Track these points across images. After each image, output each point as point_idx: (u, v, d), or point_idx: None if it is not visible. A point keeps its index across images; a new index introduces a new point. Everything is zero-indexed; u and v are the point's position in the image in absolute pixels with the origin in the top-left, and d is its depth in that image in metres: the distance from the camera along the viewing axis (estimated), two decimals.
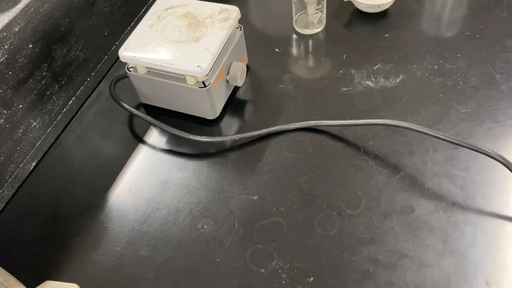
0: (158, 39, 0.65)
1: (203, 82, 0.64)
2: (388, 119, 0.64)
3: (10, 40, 0.59)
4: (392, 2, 0.80)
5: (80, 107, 0.75)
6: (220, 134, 0.69)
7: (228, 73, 0.69)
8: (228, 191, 0.63)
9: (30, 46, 0.62)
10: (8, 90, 0.61)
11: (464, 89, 0.70)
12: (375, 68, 0.74)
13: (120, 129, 0.72)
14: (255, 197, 0.61)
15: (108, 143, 0.70)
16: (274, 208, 0.60)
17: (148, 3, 0.88)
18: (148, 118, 0.69)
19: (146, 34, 0.66)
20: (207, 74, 0.63)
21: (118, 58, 0.81)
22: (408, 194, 0.60)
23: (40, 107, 0.67)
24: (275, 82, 0.74)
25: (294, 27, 0.82)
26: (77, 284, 0.49)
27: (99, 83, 0.78)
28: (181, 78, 0.65)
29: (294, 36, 0.81)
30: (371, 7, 0.79)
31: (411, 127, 0.61)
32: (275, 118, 0.70)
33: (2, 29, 0.57)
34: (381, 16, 0.82)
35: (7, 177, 0.64)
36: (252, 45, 0.79)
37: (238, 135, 0.67)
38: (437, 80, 0.71)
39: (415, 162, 0.62)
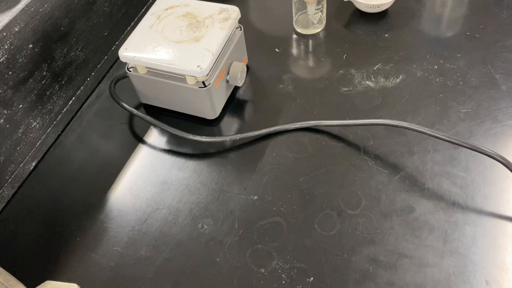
0: (158, 39, 0.65)
1: (203, 82, 0.64)
2: (388, 119, 0.64)
3: (10, 40, 0.59)
4: (392, 2, 0.80)
5: (80, 107, 0.75)
6: (220, 134, 0.69)
7: (228, 73, 0.69)
8: (228, 191, 0.63)
9: (30, 46, 0.62)
10: (8, 90, 0.61)
11: (464, 89, 0.70)
12: (375, 68, 0.74)
13: (120, 129, 0.72)
14: (255, 197, 0.61)
15: (108, 143, 0.70)
16: (274, 208, 0.60)
17: (148, 3, 0.88)
18: (148, 118, 0.69)
19: (146, 34, 0.66)
20: (207, 74, 0.63)
21: (118, 58, 0.81)
22: (408, 194, 0.60)
23: (40, 107, 0.67)
24: (275, 82, 0.74)
25: (294, 27, 0.82)
26: (77, 284, 0.49)
27: (99, 83, 0.78)
28: (181, 78, 0.65)
29: (294, 36, 0.81)
30: (371, 7, 0.79)
31: (411, 127, 0.61)
32: (275, 118, 0.70)
33: (2, 29, 0.57)
34: (381, 16, 0.82)
35: (7, 177, 0.64)
36: (252, 45, 0.79)
37: (238, 135, 0.67)
38: (437, 80, 0.71)
39: (415, 162, 0.62)
